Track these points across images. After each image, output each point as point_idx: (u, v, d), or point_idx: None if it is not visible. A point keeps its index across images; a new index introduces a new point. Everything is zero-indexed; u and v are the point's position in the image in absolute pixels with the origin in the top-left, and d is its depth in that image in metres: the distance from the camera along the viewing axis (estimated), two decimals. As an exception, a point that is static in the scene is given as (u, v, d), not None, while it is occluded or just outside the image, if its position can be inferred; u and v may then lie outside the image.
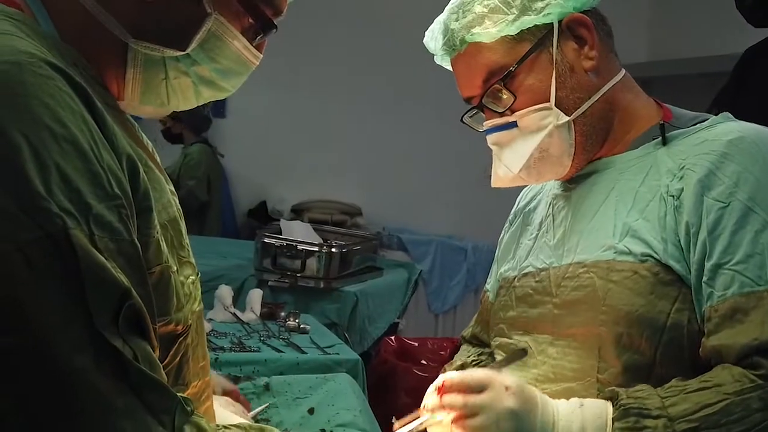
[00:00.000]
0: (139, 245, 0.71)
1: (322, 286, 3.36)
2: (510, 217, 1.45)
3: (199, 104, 0.94)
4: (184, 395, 0.76)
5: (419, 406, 1.21)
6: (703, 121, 1.20)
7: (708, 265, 1.05)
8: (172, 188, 0.90)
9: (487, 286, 1.42)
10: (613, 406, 1.05)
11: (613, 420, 1.03)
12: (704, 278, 1.06)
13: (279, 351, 2.48)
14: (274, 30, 0.91)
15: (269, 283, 3.34)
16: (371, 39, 4.92)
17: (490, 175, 1.31)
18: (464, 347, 1.49)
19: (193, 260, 0.90)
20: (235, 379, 2.08)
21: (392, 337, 3.66)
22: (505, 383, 1.08)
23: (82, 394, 0.63)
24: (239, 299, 3.04)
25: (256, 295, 2.95)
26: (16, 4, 0.78)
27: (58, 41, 0.76)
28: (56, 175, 0.64)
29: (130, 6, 0.82)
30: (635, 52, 5.24)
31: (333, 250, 3.40)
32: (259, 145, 5.12)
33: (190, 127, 4.76)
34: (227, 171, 5.04)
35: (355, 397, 2.20)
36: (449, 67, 1.31)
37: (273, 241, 3.43)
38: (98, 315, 0.64)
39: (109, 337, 0.65)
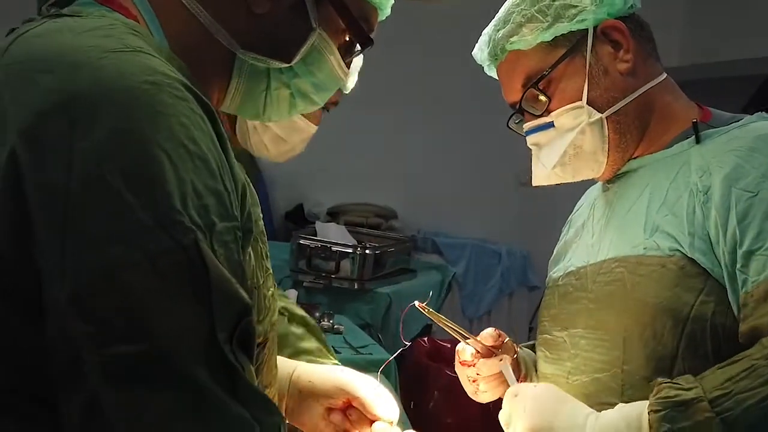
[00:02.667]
0: (243, 267, 0.73)
1: (356, 287, 3.40)
2: (562, 228, 1.50)
3: (290, 116, 0.99)
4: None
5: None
6: (739, 121, 1.23)
7: (740, 252, 1.07)
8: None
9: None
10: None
11: (651, 397, 1.06)
12: (738, 265, 1.07)
13: (313, 350, 2.52)
14: (371, 46, 0.95)
15: (304, 283, 3.39)
16: (408, 45, 4.96)
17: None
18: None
19: (272, 271, 0.93)
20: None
21: (425, 338, 3.69)
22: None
23: (199, 405, 0.64)
24: (275, 300, 3.08)
25: (291, 296, 2.99)
26: (132, 15, 0.81)
27: (169, 53, 0.77)
28: (191, 190, 0.66)
29: (241, 18, 0.85)
30: (668, 56, 5.22)
31: (367, 251, 3.44)
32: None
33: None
34: (265, 174, 5.10)
35: (387, 395, 2.23)
36: (497, 77, 1.37)
37: (308, 242, 3.48)
38: (221, 328, 0.66)
39: (226, 352, 0.66)
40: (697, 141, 1.21)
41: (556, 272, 1.38)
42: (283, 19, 0.88)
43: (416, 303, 1.27)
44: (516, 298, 5.00)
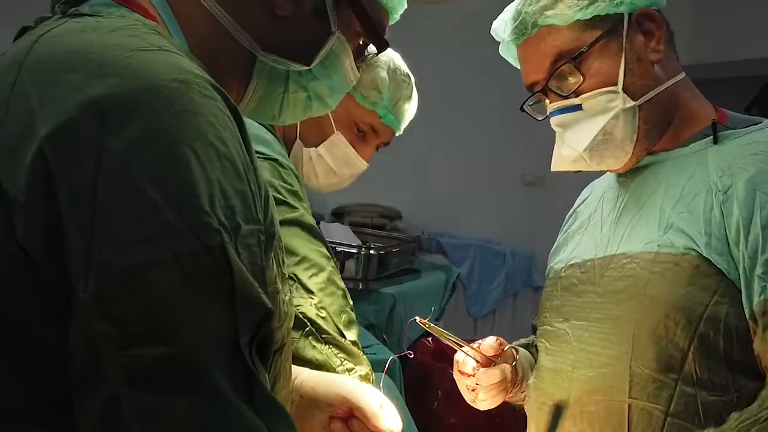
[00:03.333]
0: (265, 272, 0.72)
1: (360, 287, 3.40)
2: (565, 219, 1.50)
3: (304, 118, 0.99)
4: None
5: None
6: (756, 124, 1.23)
7: (761, 258, 1.06)
8: None
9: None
10: None
11: None
12: (758, 272, 1.06)
13: (317, 350, 2.51)
14: (386, 49, 0.96)
15: (309, 284, 3.38)
16: (414, 46, 4.96)
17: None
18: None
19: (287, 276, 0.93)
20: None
21: (429, 339, 3.69)
22: None
23: (216, 413, 0.64)
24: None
25: (295, 296, 3.00)
26: (152, 16, 0.81)
27: (189, 54, 0.77)
28: (218, 191, 0.66)
29: (262, 20, 0.86)
30: (679, 56, 5.21)
31: (371, 252, 3.44)
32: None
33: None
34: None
35: (392, 396, 2.23)
36: (510, 59, 1.36)
37: (313, 243, 3.47)
38: (243, 333, 0.66)
39: (246, 357, 0.66)
40: (715, 141, 1.20)
41: (557, 263, 1.38)
42: (304, 22, 0.88)
43: (417, 319, 1.27)
44: (520, 298, 5.00)
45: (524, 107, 1.35)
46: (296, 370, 1.21)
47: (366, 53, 0.97)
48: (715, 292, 1.10)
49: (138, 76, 0.66)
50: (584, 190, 1.48)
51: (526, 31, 1.28)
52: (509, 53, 1.36)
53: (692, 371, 1.10)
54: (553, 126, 1.31)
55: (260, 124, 1.39)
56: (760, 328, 1.06)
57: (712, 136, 1.22)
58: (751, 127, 1.22)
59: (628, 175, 1.31)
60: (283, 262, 0.88)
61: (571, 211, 1.49)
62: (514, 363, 1.36)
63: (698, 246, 1.12)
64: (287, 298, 0.88)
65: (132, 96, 0.65)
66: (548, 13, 1.25)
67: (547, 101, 1.31)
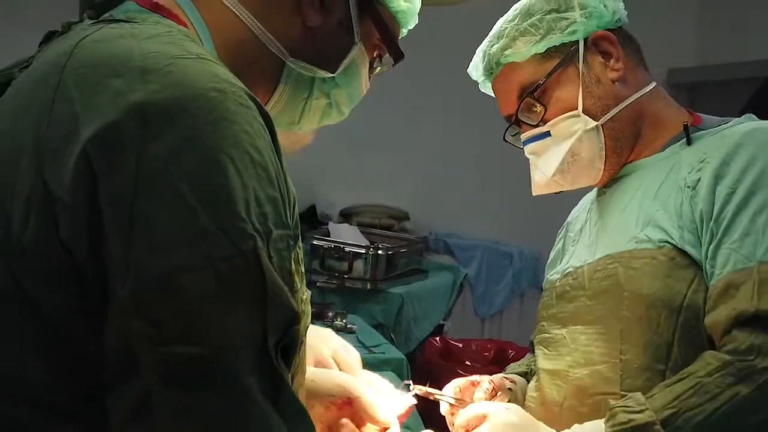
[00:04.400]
0: (293, 276, 0.74)
1: (368, 287, 3.42)
2: (558, 231, 1.55)
3: (318, 126, 1.03)
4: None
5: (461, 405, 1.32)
6: (727, 123, 1.28)
7: (711, 246, 1.12)
8: None
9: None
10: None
11: (605, 423, 1.11)
12: (708, 258, 1.13)
13: (326, 349, 2.54)
14: (402, 60, 1.00)
15: (317, 284, 3.41)
16: (422, 48, 4.98)
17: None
18: (527, 356, 1.57)
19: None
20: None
21: (437, 338, 3.71)
22: (504, 405, 1.25)
23: (244, 414, 0.65)
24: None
25: (304, 296, 3.02)
26: (182, 22, 0.83)
27: (218, 61, 0.78)
28: (253, 198, 0.68)
29: (292, 29, 0.90)
30: (683, 57, 5.20)
31: (379, 252, 3.47)
32: (309, 151, 5.14)
33: None
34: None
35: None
36: (492, 94, 1.43)
37: (321, 243, 3.51)
38: (271, 336, 0.67)
39: (273, 359, 0.68)
40: (689, 143, 1.26)
41: (553, 275, 1.43)
42: (331, 33, 0.93)
43: (411, 384, 1.31)
44: (527, 298, 5.01)
45: (506, 137, 1.44)
46: None
47: (375, 67, 1.02)
48: (692, 281, 1.15)
49: (178, 84, 0.68)
50: (580, 202, 1.52)
51: (492, 70, 1.38)
52: (488, 90, 1.45)
53: (678, 360, 1.14)
54: (526, 154, 1.38)
55: None
56: (710, 308, 1.11)
57: (685, 139, 1.27)
58: (722, 126, 1.27)
59: (609, 185, 1.36)
60: (301, 260, 0.90)
61: (564, 224, 1.53)
62: (508, 400, 1.38)
63: (672, 238, 1.17)
64: (305, 296, 0.90)
65: (172, 103, 0.67)
66: (507, 52, 1.33)
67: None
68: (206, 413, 0.64)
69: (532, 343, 1.57)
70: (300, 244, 0.88)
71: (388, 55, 1.01)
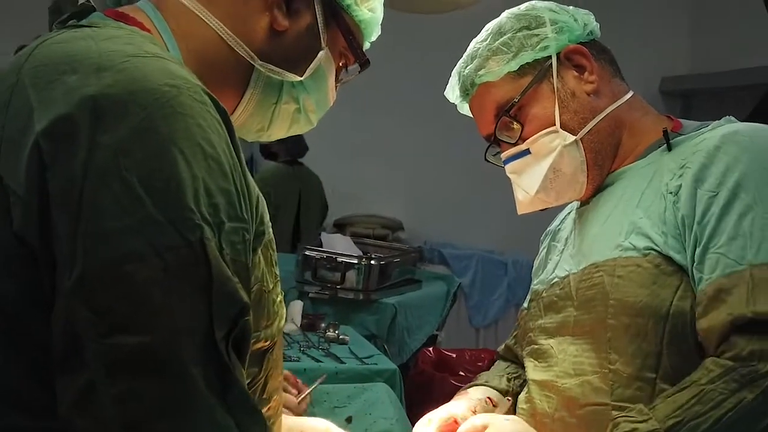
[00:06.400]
0: (249, 270, 0.75)
1: (361, 297, 3.40)
2: (541, 238, 1.53)
3: (288, 135, 1.03)
4: (265, 410, 0.82)
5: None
6: (707, 126, 1.26)
7: (697, 251, 1.11)
8: None
9: (525, 304, 1.48)
10: None
11: None
12: (694, 264, 1.11)
13: (318, 361, 2.53)
14: (368, 67, 1.02)
15: (310, 294, 3.40)
16: (415, 58, 4.97)
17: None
18: (497, 363, 1.56)
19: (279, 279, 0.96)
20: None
21: (430, 348, 3.69)
22: (504, 417, 1.25)
23: (187, 405, 0.66)
24: (281, 311, 3.09)
25: (297, 307, 3.00)
26: (147, 29, 0.85)
27: (183, 64, 0.80)
28: (203, 188, 0.69)
29: (260, 34, 0.91)
30: (676, 65, 5.21)
31: (372, 262, 3.45)
32: (303, 161, 5.20)
33: (286, 148, 4.81)
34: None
35: (392, 406, 2.24)
36: (470, 115, 1.42)
37: (313, 253, 3.49)
38: (218, 327, 0.68)
39: (222, 351, 0.68)
40: (669, 149, 1.24)
41: (537, 285, 1.41)
42: (299, 36, 0.94)
43: None
44: (523, 308, 5.01)
45: (487, 157, 1.43)
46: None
47: (340, 77, 1.04)
48: (678, 287, 1.13)
49: (133, 79, 0.70)
50: (564, 210, 1.50)
51: (468, 91, 1.37)
52: (466, 111, 1.44)
53: (668, 368, 1.13)
54: (508, 174, 1.37)
55: None
56: (700, 314, 1.09)
57: (665, 145, 1.25)
58: (702, 129, 1.26)
59: (594, 194, 1.34)
60: (275, 263, 0.91)
61: (546, 231, 1.51)
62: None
63: (657, 245, 1.15)
64: (278, 298, 0.91)
65: (126, 96, 0.69)
66: (481, 72, 1.33)
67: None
68: (150, 402, 0.65)
69: (498, 354, 1.57)
70: (273, 246, 0.89)
71: (354, 65, 1.02)
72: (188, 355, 0.66)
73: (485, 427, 1.22)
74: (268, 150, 4.88)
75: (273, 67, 0.93)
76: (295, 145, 4.75)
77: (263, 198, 0.86)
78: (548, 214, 1.49)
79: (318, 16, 0.95)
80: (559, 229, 1.47)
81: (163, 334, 0.65)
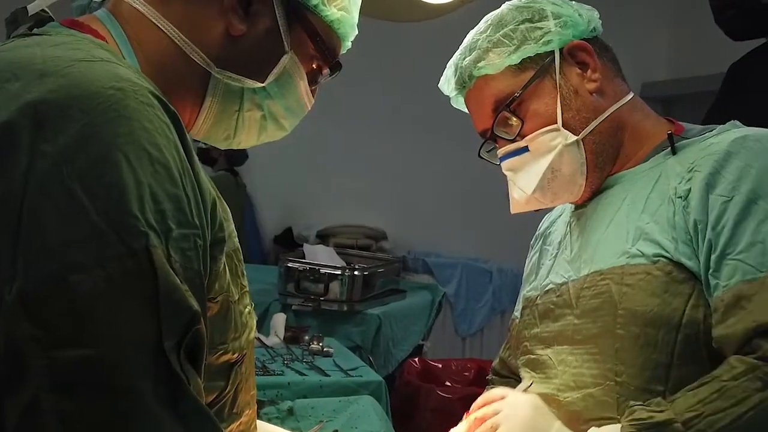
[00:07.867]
0: (203, 277, 0.72)
1: (345, 309, 3.37)
2: (531, 242, 1.49)
3: (259, 142, 0.99)
4: (236, 426, 0.79)
5: (441, 427, 1.26)
6: (712, 131, 1.23)
7: (713, 257, 1.08)
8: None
9: (516, 313, 1.44)
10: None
11: (623, 419, 1.06)
12: (710, 270, 1.08)
13: (302, 374, 2.49)
14: (339, 71, 0.98)
15: (293, 307, 3.37)
16: (396, 66, 4.97)
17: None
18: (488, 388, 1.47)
19: (248, 289, 0.93)
20: (259, 404, 2.10)
21: (416, 359, 3.67)
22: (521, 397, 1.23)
23: (135, 416, 0.64)
24: (264, 324, 3.06)
25: (279, 320, 2.97)
26: (101, 36, 0.82)
27: (139, 73, 0.78)
28: (148, 194, 0.67)
29: (217, 40, 0.88)
30: (655, 71, 5.23)
31: (355, 273, 3.42)
32: (285, 172, 5.17)
33: (228, 156, 4.76)
34: (253, 197, 5.09)
35: (378, 419, 2.22)
36: (464, 109, 1.38)
37: (296, 265, 3.46)
38: (167, 337, 0.66)
39: (173, 362, 0.66)
40: (674, 152, 1.21)
41: (530, 291, 1.37)
42: (259, 41, 0.90)
43: None
44: (508, 315, 4.94)
45: (481, 154, 1.38)
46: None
47: (320, 79, 0.99)
48: (690, 296, 1.10)
49: (76, 84, 0.68)
50: (554, 211, 1.47)
51: (465, 84, 1.32)
52: (461, 105, 1.39)
53: (678, 379, 1.09)
54: (504, 171, 1.33)
55: None
56: (718, 321, 1.07)
57: (670, 148, 1.22)
58: (708, 133, 1.23)
59: (591, 197, 1.31)
60: (243, 274, 0.88)
61: (535, 235, 1.48)
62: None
63: (667, 251, 1.12)
64: (246, 310, 0.89)
65: (69, 102, 0.67)
66: (480, 64, 1.28)
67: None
68: (95, 418, 0.63)
69: (493, 369, 1.51)
70: (239, 256, 0.87)
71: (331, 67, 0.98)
72: (135, 368, 0.64)
73: (503, 398, 1.21)
74: (208, 155, 4.76)
75: (231, 74, 0.89)
76: (234, 153, 4.67)
77: (224, 204, 0.84)
78: (533, 220, 1.47)
79: (279, 19, 0.90)
80: (549, 231, 1.43)
81: (108, 347, 0.63)
